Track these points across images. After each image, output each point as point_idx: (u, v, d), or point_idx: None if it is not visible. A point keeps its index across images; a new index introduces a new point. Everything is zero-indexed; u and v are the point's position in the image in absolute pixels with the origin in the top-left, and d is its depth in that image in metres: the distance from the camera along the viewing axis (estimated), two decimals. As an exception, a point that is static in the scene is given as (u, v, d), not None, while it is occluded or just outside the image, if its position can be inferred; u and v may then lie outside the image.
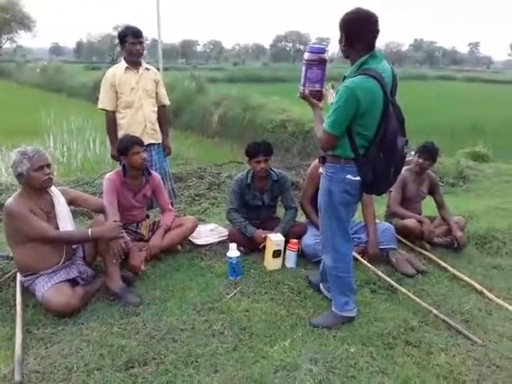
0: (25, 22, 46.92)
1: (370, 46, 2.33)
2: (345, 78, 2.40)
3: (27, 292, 2.82)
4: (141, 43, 3.72)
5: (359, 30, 2.31)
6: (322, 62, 2.39)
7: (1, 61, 44.16)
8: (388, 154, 2.36)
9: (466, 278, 3.29)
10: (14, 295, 2.81)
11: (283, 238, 3.36)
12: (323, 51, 2.39)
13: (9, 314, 2.67)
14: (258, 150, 3.48)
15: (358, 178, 2.42)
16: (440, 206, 3.98)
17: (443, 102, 19.29)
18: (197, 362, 2.33)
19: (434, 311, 2.82)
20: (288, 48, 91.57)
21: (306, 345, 2.49)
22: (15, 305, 2.71)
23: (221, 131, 11.49)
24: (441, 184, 6.12)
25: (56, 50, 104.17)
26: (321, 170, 2.59)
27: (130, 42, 3.67)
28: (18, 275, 2.90)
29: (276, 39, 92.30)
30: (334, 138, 2.36)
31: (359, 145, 2.37)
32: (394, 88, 2.40)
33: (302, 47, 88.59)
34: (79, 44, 78.32)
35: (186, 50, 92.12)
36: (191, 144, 10.09)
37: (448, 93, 24.28)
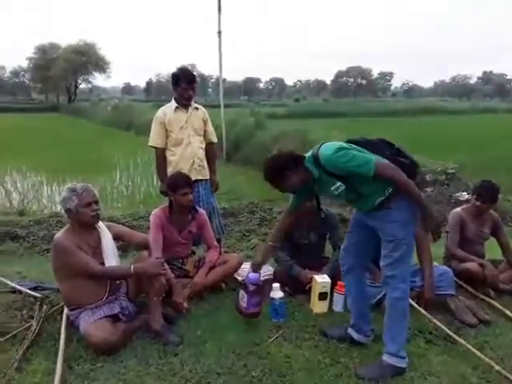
0: (100, 64, 50.56)
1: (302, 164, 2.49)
2: (317, 180, 2.49)
3: (72, 326, 2.86)
4: (193, 88, 3.82)
5: (290, 166, 2.47)
6: (260, 289, 2.99)
7: (78, 100, 47.77)
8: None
9: (535, 331, 2.96)
10: (60, 329, 2.86)
11: (330, 280, 3.21)
12: (259, 280, 2.97)
13: (53, 348, 2.70)
14: None
15: None
16: (505, 248, 3.67)
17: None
18: (231, 410, 2.22)
19: (497, 367, 2.53)
20: (349, 83, 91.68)
21: (349, 398, 2.31)
22: (60, 339, 2.75)
23: (278, 166, 11.49)
24: (510, 224, 5.71)
25: (128, 89, 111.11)
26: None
27: (182, 87, 3.77)
28: (65, 308, 2.96)
29: (338, 74, 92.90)
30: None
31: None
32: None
33: (363, 82, 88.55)
34: (149, 83, 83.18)
35: (248, 87, 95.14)
36: (248, 179, 10.16)
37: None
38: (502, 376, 2.48)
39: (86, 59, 48.68)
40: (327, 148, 2.41)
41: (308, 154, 2.51)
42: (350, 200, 2.58)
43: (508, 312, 3.21)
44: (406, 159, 2.48)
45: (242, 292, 2.99)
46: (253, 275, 2.93)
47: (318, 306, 3.20)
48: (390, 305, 2.53)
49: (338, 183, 2.43)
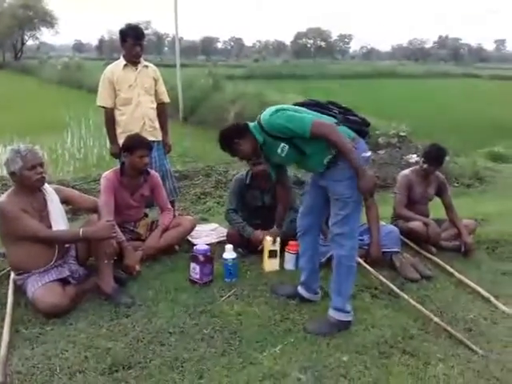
0: (47, 19, 47.54)
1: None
2: (263, 144, 2.54)
3: (19, 291, 2.80)
4: (140, 45, 3.70)
5: (237, 135, 2.58)
6: (210, 258, 3.07)
7: (24, 57, 45.03)
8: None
9: (472, 284, 3.14)
10: (7, 293, 2.80)
11: (279, 239, 3.27)
12: (208, 251, 3.08)
13: (-1, 313, 2.66)
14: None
15: (369, 154, 2.54)
16: (448, 208, 3.84)
17: (467, 100, 18.79)
18: (182, 366, 2.27)
19: (435, 319, 2.69)
20: (309, 45, 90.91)
21: (297, 352, 2.41)
22: (7, 303, 2.70)
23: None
24: (456, 185, 5.98)
25: (79, 47, 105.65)
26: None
27: (130, 43, 3.65)
28: (12, 273, 2.89)
29: (297, 36, 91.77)
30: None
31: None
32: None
33: (323, 44, 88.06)
34: (101, 41, 79.17)
35: (206, 46, 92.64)
36: (205, 141, 10.03)
37: (472, 91, 23.66)
38: (441, 327, 2.63)
39: (33, 14, 45.67)
40: (267, 112, 2.49)
41: (254, 122, 2.57)
42: (297, 161, 2.60)
43: (448, 267, 3.39)
44: (356, 117, 2.54)
45: (192, 264, 3.05)
46: (201, 246, 3.11)
47: (269, 264, 3.28)
48: (338, 262, 2.59)
49: (282, 144, 2.46)
